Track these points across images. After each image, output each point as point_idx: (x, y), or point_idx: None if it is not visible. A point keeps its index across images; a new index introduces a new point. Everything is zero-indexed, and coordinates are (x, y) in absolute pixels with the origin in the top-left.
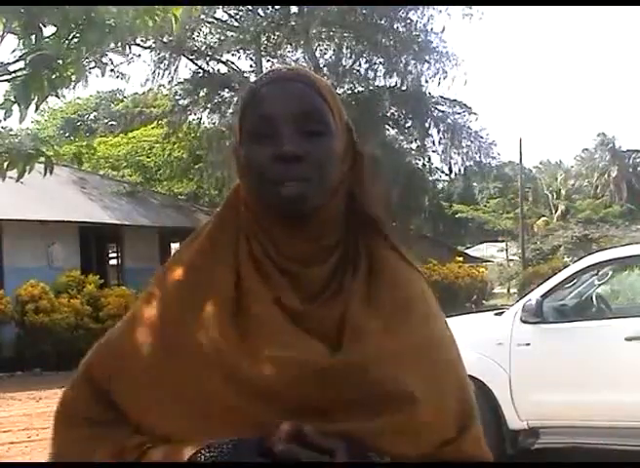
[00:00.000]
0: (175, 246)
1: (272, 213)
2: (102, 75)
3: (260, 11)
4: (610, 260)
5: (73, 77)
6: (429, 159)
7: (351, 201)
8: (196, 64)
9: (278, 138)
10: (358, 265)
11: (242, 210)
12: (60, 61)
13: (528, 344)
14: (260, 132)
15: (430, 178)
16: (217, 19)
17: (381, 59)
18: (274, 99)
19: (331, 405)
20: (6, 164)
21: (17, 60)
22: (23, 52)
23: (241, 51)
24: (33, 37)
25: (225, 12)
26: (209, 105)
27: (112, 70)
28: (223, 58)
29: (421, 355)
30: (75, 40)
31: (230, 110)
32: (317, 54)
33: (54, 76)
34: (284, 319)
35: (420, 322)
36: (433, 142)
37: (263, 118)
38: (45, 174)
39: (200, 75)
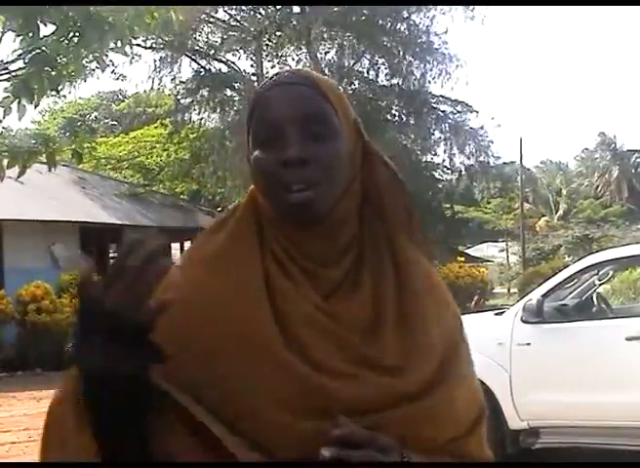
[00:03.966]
0: (175, 246)
1: (284, 215)
2: (102, 71)
3: (261, 10)
4: (610, 260)
5: (73, 75)
6: (431, 159)
7: (365, 200)
8: (198, 64)
9: (283, 143)
10: (376, 264)
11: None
12: (60, 60)
13: (528, 344)
14: (265, 136)
15: (431, 179)
16: (218, 18)
17: (383, 60)
18: (277, 104)
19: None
20: (6, 161)
21: (16, 59)
22: (23, 50)
23: (242, 50)
24: (33, 35)
25: (226, 12)
26: (210, 105)
27: (113, 71)
28: (225, 58)
29: (446, 354)
30: (75, 39)
31: (232, 110)
32: (319, 54)
33: (53, 74)
34: (313, 313)
35: (441, 320)
36: (435, 142)
37: (267, 123)
38: (49, 169)
39: (202, 75)
